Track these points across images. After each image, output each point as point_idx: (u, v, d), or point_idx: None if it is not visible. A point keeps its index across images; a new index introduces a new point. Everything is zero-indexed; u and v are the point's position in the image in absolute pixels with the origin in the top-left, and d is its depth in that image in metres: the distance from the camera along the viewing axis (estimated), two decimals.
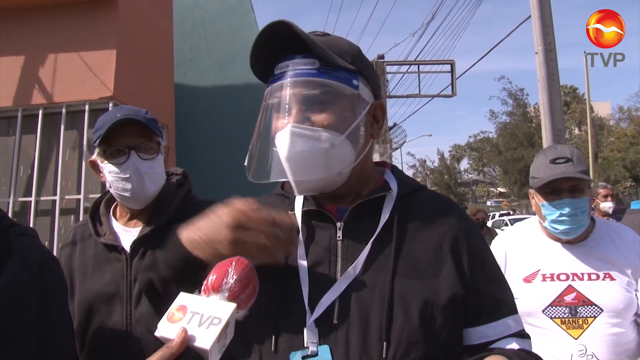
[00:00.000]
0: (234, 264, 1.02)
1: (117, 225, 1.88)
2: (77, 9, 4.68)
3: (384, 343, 1.07)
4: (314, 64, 1.17)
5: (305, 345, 1.11)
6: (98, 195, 4.23)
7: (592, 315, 2.00)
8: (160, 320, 0.96)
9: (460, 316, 1.13)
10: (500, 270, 1.27)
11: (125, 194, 1.78)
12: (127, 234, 1.83)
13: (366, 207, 1.21)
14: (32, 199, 4.45)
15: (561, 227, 2.06)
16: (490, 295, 1.17)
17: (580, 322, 2.01)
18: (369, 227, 1.19)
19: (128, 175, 1.75)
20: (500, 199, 47.31)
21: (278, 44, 1.18)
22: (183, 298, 1.00)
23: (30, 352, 1.28)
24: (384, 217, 1.19)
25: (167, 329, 0.95)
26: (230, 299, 0.99)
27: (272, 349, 1.13)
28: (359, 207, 1.21)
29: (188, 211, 1.87)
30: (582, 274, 2.05)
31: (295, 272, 1.18)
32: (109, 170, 1.78)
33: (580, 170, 2.05)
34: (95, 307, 1.76)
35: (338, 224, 1.21)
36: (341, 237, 1.19)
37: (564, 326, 2.01)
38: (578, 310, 2.01)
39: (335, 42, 1.22)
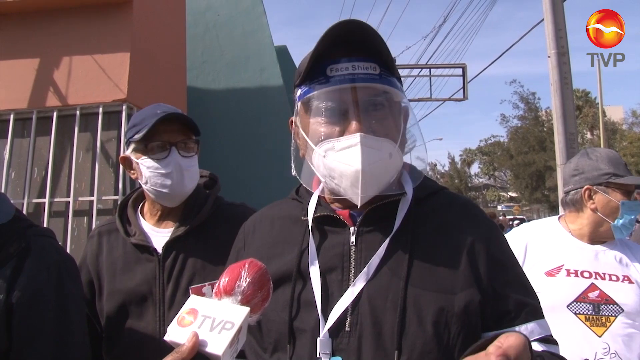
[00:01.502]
0: (247, 266, 0.99)
1: (146, 225, 1.86)
2: (91, 12, 4.71)
3: (396, 351, 1.05)
4: (375, 69, 1.12)
5: (318, 355, 1.08)
6: (111, 197, 4.21)
7: (614, 315, 2.01)
8: (170, 324, 0.94)
9: (477, 324, 1.09)
10: (525, 275, 1.22)
11: (164, 190, 1.76)
12: (158, 234, 1.82)
13: (380, 211, 1.18)
14: (46, 200, 4.48)
15: (632, 227, 2.13)
16: (513, 300, 1.12)
17: (603, 320, 2.02)
18: (383, 231, 1.16)
19: (169, 171, 1.74)
20: (511, 204, 46.97)
21: (333, 45, 1.12)
22: (194, 301, 0.97)
23: (48, 353, 1.29)
24: (398, 221, 1.16)
25: (177, 333, 0.92)
26: (243, 302, 0.96)
27: (287, 356, 1.12)
28: (372, 212, 1.18)
29: (218, 213, 1.87)
30: (604, 274, 2.08)
31: (308, 280, 1.15)
32: (147, 165, 1.76)
33: None
34: (127, 308, 1.74)
35: (351, 229, 1.18)
36: (354, 243, 1.16)
37: (587, 323, 2.02)
38: (601, 308, 2.02)
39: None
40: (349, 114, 1.11)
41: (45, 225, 4.32)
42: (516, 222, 21.74)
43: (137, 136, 1.75)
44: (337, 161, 1.10)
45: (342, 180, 1.11)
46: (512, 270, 1.19)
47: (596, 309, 2.02)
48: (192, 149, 1.81)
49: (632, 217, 2.09)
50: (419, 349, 1.05)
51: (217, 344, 0.90)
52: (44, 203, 4.50)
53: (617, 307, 2.02)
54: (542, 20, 8.46)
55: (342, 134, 1.11)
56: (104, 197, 4.42)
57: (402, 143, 1.16)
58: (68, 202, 4.48)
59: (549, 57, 8.12)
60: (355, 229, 1.18)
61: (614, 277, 2.06)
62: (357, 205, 1.17)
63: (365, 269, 1.12)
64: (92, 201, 4.43)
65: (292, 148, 1.25)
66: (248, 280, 0.97)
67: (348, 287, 1.12)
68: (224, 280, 0.98)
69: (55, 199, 4.53)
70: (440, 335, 1.06)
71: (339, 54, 1.13)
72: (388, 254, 1.13)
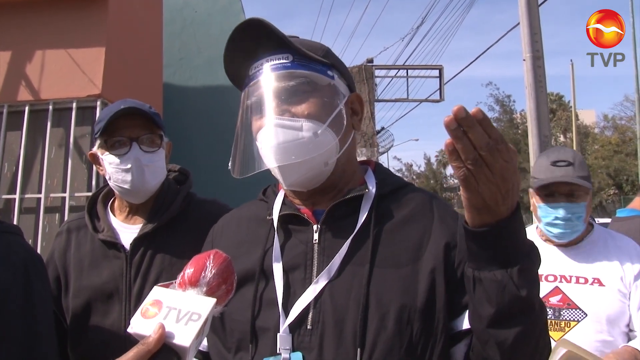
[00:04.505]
0: (211, 257, 0.98)
1: (115, 221, 1.83)
2: (66, 6, 4.63)
3: (358, 349, 1.05)
4: (288, 57, 1.19)
5: (278, 351, 1.09)
6: (84, 194, 4.15)
7: (575, 319, 1.98)
8: (133, 316, 0.92)
9: (441, 319, 1.10)
10: None
11: (125, 186, 1.73)
12: (127, 230, 1.79)
13: (343, 208, 1.20)
14: (17, 196, 4.39)
15: (555, 231, 2.06)
16: None
17: (562, 325, 1.99)
18: (346, 228, 1.17)
19: (129, 167, 1.71)
20: None
21: (249, 47, 1.21)
22: (158, 292, 0.96)
23: (15, 353, 1.25)
24: (361, 218, 1.18)
25: (142, 325, 0.91)
26: (209, 293, 0.95)
27: (250, 355, 1.12)
28: (335, 208, 1.20)
29: (189, 210, 1.85)
30: (570, 277, 2.04)
31: (271, 278, 1.16)
32: (109, 161, 1.73)
33: (580, 175, 2.03)
34: (93, 305, 1.71)
35: (315, 227, 1.19)
36: (317, 240, 1.18)
37: None
38: (562, 313, 1.99)
39: (306, 41, 1.26)
40: (266, 102, 1.18)
41: (15, 222, 4.24)
42: None
43: (98, 132, 1.74)
44: (263, 148, 1.17)
45: (270, 165, 1.17)
46: None
47: (556, 313, 2.00)
48: (155, 144, 1.78)
49: (551, 217, 2.04)
50: (381, 346, 1.05)
51: (184, 335, 0.89)
52: (15, 199, 4.40)
53: (580, 312, 1.98)
54: (518, 24, 8.58)
55: None
56: (76, 194, 4.34)
57: (336, 123, 1.19)
58: (39, 199, 4.40)
59: (524, 60, 8.24)
60: (319, 226, 1.19)
61: (581, 280, 2.02)
62: (321, 202, 1.22)
63: (327, 267, 1.13)
64: (64, 198, 4.35)
65: None
66: (213, 271, 0.97)
67: (310, 285, 1.13)
68: (188, 271, 0.97)
69: (26, 195, 4.44)
70: (403, 332, 1.07)
71: (257, 55, 1.22)
72: (351, 250, 1.14)
